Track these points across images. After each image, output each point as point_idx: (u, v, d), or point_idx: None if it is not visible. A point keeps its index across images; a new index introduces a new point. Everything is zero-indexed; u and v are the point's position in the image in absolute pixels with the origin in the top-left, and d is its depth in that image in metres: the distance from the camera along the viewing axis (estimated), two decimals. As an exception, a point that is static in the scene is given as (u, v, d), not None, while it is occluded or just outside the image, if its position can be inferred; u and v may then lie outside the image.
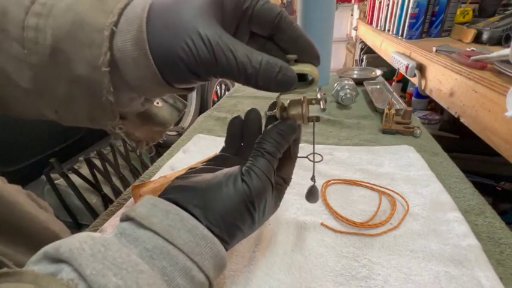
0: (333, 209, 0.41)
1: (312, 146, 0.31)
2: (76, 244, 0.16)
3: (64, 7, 0.19)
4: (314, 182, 0.32)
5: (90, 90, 0.20)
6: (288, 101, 0.27)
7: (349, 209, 0.42)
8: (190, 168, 0.27)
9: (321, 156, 0.31)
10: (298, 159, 0.29)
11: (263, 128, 0.28)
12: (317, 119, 0.28)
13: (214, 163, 0.28)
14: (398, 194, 0.44)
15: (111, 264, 0.16)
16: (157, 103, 0.31)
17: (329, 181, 0.48)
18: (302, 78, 0.27)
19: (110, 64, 0.19)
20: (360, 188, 0.47)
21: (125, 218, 0.21)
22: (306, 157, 0.31)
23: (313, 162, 0.31)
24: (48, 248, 0.17)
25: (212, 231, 0.21)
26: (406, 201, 0.42)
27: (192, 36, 0.18)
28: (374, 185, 0.46)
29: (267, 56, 0.20)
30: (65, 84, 0.20)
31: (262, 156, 0.24)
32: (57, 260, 0.16)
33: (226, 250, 0.22)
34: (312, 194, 0.32)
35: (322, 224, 0.39)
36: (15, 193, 0.31)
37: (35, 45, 0.19)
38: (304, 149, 0.29)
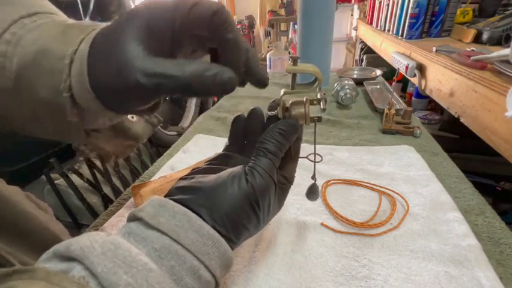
0: (333, 209, 0.41)
1: (312, 146, 0.31)
2: (86, 242, 0.17)
3: (31, 39, 0.21)
4: (315, 180, 0.32)
5: (54, 112, 0.21)
6: (290, 101, 0.27)
7: (349, 209, 0.42)
8: (194, 168, 0.27)
9: (320, 156, 0.31)
10: (298, 159, 0.29)
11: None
12: (319, 119, 0.28)
13: (218, 162, 0.28)
14: (398, 194, 0.44)
15: (121, 263, 0.16)
16: (132, 117, 0.32)
17: (329, 181, 0.48)
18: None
19: (70, 89, 0.20)
20: (360, 188, 0.47)
21: (133, 218, 0.21)
22: (306, 157, 0.31)
23: (314, 161, 0.31)
24: (59, 246, 0.17)
25: (218, 231, 0.21)
26: (406, 201, 0.42)
27: (126, 69, 0.19)
28: (374, 185, 0.46)
29: (199, 62, 0.19)
30: (29, 106, 0.22)
31: (264, 156, 0.24)
32: (67, 258, 0.17)
33: (233, 249, 0.23)
34: (312, 192, 0.32)
35: (322, 224, 0.39)
36: (15, 193, 0.31)
37: (1, 70, 0.21)
38: (304, 149, 0.29)
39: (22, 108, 0.22)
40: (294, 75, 0.26)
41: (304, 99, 0.27)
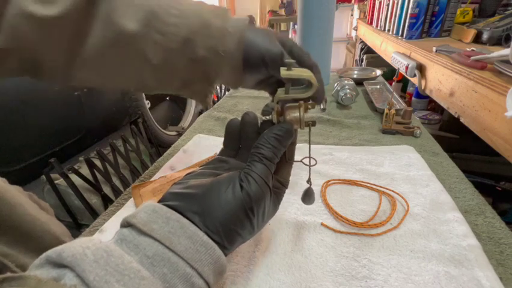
0: (333, 209, 0.41)
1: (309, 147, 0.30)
2: (78, 249, 0.17)
3: (192, 13, 0.28)
4: (310, 184, 0.32)
5: (203, 65, 0.29)
6: (285, 106, 0.27)
7: (349, 209, 0.42)
8: (189, 172, 0.27)
9: (315, 160, 0.31)
10: (293, 163, 0.29)
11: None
12: (313, 123, 0.28)
13: (212, 166, 0.28)
14: (398, 194, 0.44)
15: (114, 271, 0.16)
16: None
17: (328, 181, 0.48)
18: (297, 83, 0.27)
19: (225, 49, 0.28)
20: (360, 188, 0.47)
21: (126, 224, 0.21)
22: (301, 161, 0.31)
23: (309, 166, 0.31)
24: (51, 252, 0.17)
25: (211, 238, 0.21)
26: (406, 201, 0.42)
27: (277, 43, 0.29)
28: (374, 185, 0.46)
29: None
30: (186, 61, 0.29)
31: (260, 161, 0.24)
32: (59, 264, 0.16)
33: (226, 255, 0.22)
34: (307, 196, 0.32)
35: (322, 224, 0.39)
36: (17, 194, 0.31)
37: (174, 36, 0.28)
38: (302, 149, 0.29)
39: (178, 64, 0.29)
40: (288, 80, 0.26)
41: (299, 103, 0.27)
